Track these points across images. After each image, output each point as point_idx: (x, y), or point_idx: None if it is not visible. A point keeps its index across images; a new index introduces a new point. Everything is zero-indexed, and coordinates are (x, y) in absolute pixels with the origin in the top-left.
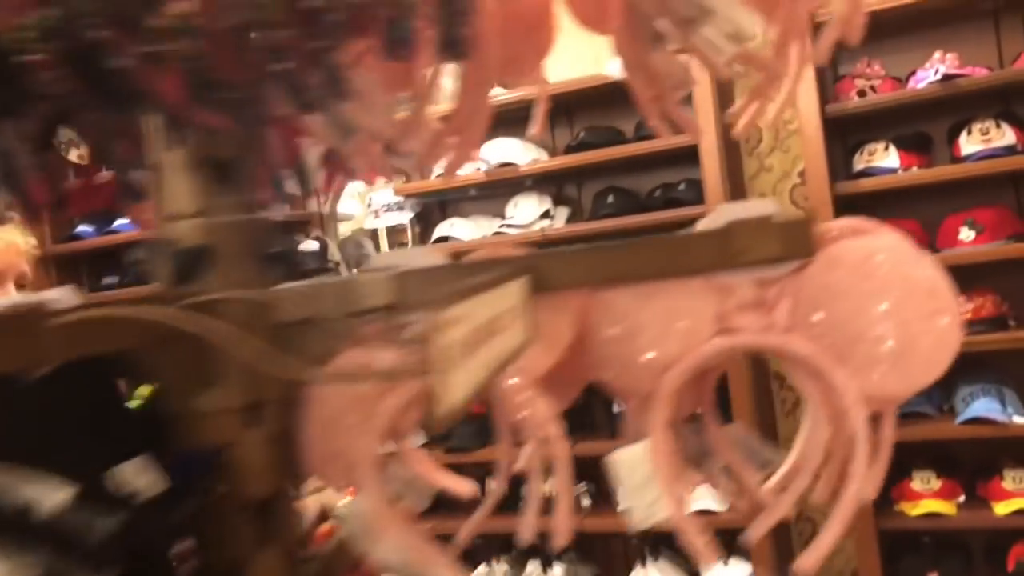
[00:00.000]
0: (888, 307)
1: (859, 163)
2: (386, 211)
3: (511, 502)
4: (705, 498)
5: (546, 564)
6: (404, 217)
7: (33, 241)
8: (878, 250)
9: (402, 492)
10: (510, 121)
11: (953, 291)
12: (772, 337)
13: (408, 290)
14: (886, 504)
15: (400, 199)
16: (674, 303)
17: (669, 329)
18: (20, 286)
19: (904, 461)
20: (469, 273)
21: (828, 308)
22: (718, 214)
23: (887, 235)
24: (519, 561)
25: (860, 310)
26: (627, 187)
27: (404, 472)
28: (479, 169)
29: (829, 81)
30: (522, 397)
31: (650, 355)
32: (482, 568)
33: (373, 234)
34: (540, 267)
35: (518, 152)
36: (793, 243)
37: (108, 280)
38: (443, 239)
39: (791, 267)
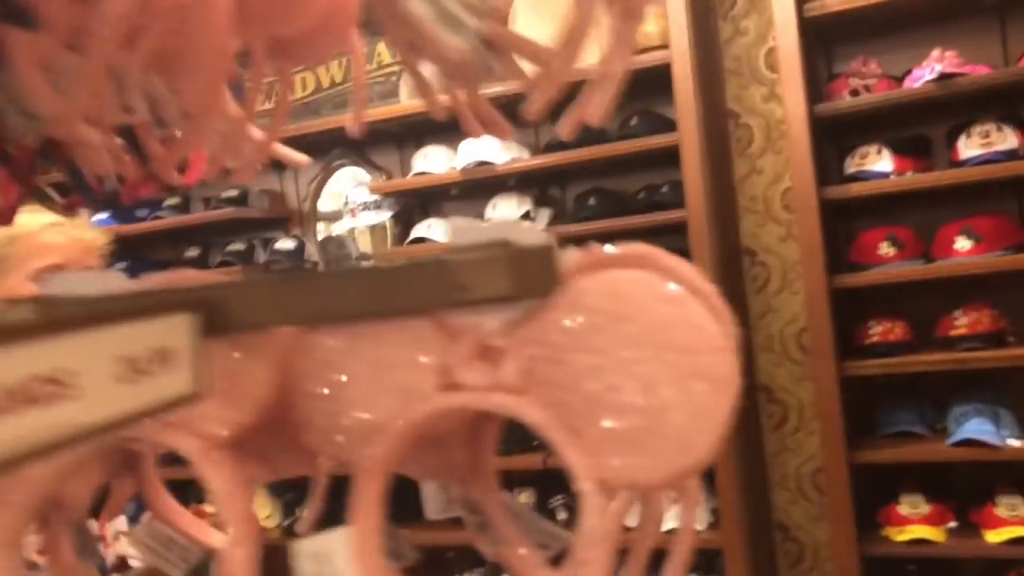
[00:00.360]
0: (633, 366)
1: (850, 166)
2: (363, 210)
3: None
4: None
5: None
6: (382, 217)
7: (101, 236)
8: (629, 289)
9: (162, 555)
10: None
11: (725, 345)
12: (499, 398)
13: (55, 320)
14: (870, 528)
15: (377, 198)
16: (388, 350)
17: (381, 383)
18: None
19: (891, 483)
20: (134, 304)
21: (568, 364)
22: (451, 237)
23: (651, 268)
24: (494, 573)
25: (601, 369)
26: (611, 188)
27: (162, 532)
28: (455, 168)
29: (822, 79)
30: (202, 463)
31: (357, 416)
32: None
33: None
34: (218, 300)
35: (496, 151)
36: (528, 278)
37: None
38: (420, 240)
39: (526, 308)
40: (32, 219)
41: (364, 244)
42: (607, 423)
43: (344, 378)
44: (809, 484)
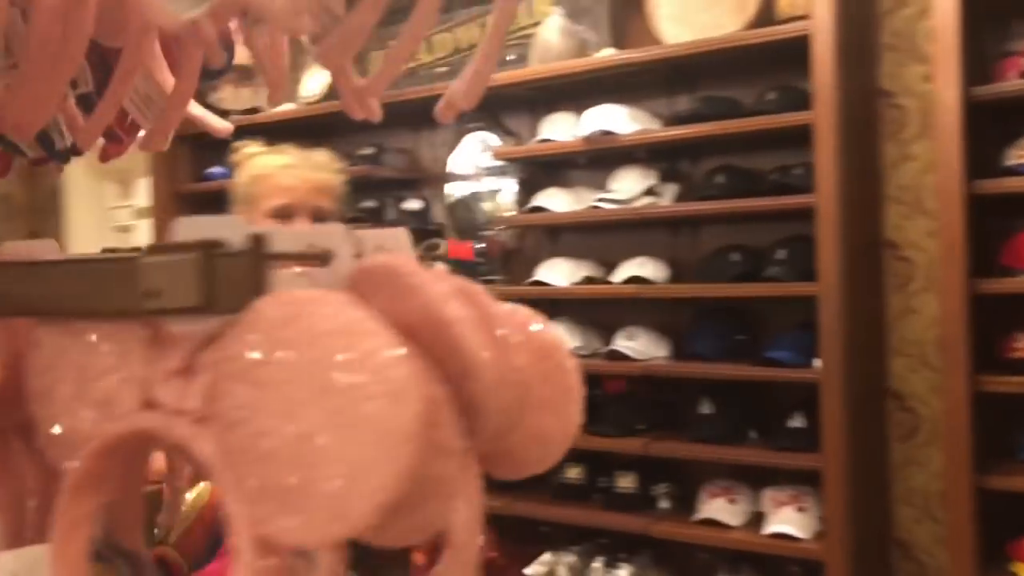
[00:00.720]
0: (292, 408)
1: (1010, 158)
2: (488, 175)
3: (588, 492)
4: (786, 522)
5: (612, 562)
6: (506, 183)
7: (336, 178)
8: (304, 311)
9: None
10: (619, 87)
11: (403, 390)
12: (176, 424)
13: None
14: (997, 560)
15: (503, 163)
16: (97, 356)
17: (87, 393)
18: (315, 220)
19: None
20: None
21: (235, 397)
22: (178, 230)
23: (380, 286)
24: (588, 554)
25: (262, 407)
26: (744, 166)
27: None
28: (577, 136)
29: (992, 58)
30: None
31: (62, 427)
32: (548, 555)
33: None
34: None
35: (622, 121)
36: (219, 288)
37: None
38: (538, 209)
39: (220, 323)
40: (273, 159)
41: (495, 209)
42: (263, 472)
43: (55, 381)
44: (937, 503)
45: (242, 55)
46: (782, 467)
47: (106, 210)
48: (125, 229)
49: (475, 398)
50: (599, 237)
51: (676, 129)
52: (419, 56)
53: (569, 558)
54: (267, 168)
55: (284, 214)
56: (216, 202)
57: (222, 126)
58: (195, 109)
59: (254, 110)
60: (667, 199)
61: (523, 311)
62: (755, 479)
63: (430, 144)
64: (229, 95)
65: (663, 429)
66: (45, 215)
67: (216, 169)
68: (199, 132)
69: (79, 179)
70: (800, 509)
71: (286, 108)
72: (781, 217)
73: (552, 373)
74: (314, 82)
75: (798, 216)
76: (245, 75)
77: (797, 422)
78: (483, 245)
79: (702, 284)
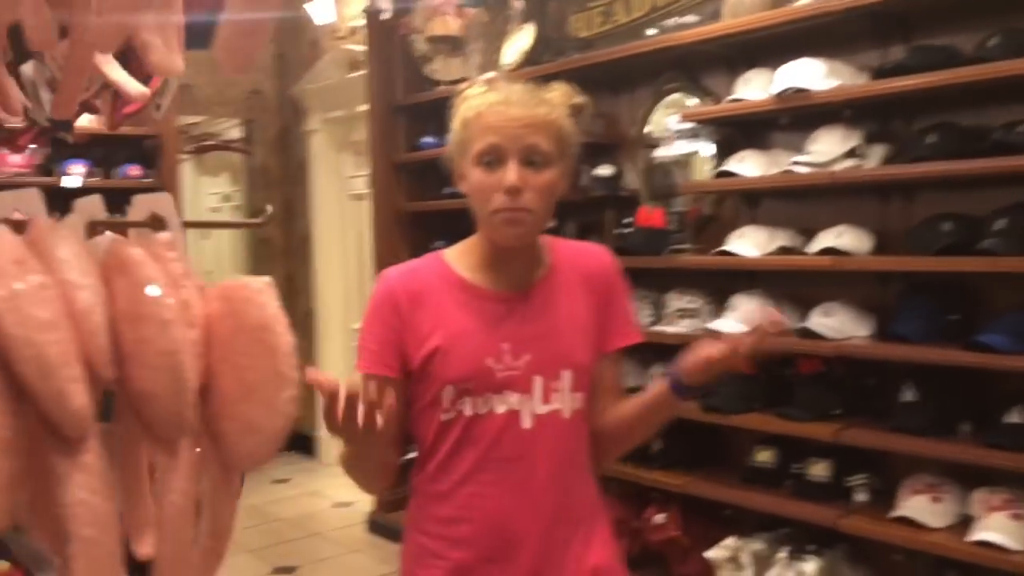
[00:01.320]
0: None
1: None
2: (679, 138)
3: (780, 478)
4: (996, 529)
5: (798, 554)
6: (696, 145)
7: (556, 111)
8: None
9: None
10: (823, 39)
11: None
12: None
13: None
14: None
15: (694, 125)
16: None
17: None
18: (529, 163)
19: None
20: None
21: None
22: None
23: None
24: (776, 542)
25: None
26: (964, 123)
27: None
28: (770, 94)
29: None
30: None
31: None
32: (731, 540)
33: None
34: None
35: (818, 76)
36: None
37: (447, 190)
38: (727, 174)
39: None
40: (483, 98)
41: (692, 174)
42: None
43: None
44: None
45: (452, 26)
46: (996, 467)
47: (344, 179)
48: (360, 197)
49: (24, 382)
50: (802, 204)
51: (880, 83)
52: (617, 16)
53: (755, 545)
54: (476, 108)
55: (491, 159)
56: (427, 170)
57: (138, 92)
58: (115, 73)
59: (463, 79)
60: (873, 161)
61: (242, 288)
62: (966, 478)
63: (629, 107)
64: (440, 66)
65: (860, 415)
66: (295, 184)
67: (428, 139)
68: (414, 103)
69: (324, 151)
70: (1015, 516)
71: (487, 77)
72: (1005, 181)
73: (261, 356)
74: (513, 50)
75: (1016, 179)
76: (456, 45)
77: (1015, 417)
78: (678, 212)
79: (905, 257)
